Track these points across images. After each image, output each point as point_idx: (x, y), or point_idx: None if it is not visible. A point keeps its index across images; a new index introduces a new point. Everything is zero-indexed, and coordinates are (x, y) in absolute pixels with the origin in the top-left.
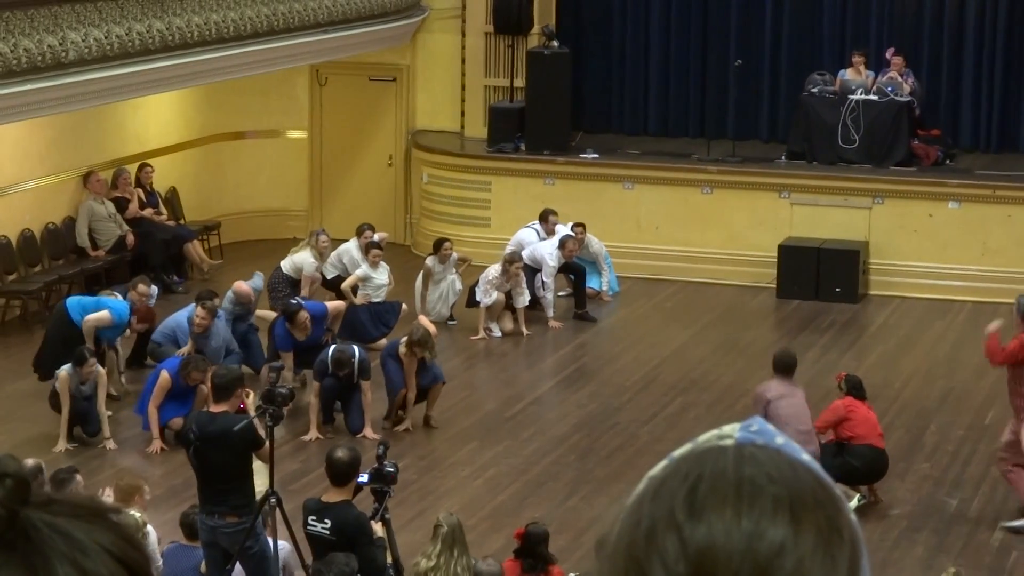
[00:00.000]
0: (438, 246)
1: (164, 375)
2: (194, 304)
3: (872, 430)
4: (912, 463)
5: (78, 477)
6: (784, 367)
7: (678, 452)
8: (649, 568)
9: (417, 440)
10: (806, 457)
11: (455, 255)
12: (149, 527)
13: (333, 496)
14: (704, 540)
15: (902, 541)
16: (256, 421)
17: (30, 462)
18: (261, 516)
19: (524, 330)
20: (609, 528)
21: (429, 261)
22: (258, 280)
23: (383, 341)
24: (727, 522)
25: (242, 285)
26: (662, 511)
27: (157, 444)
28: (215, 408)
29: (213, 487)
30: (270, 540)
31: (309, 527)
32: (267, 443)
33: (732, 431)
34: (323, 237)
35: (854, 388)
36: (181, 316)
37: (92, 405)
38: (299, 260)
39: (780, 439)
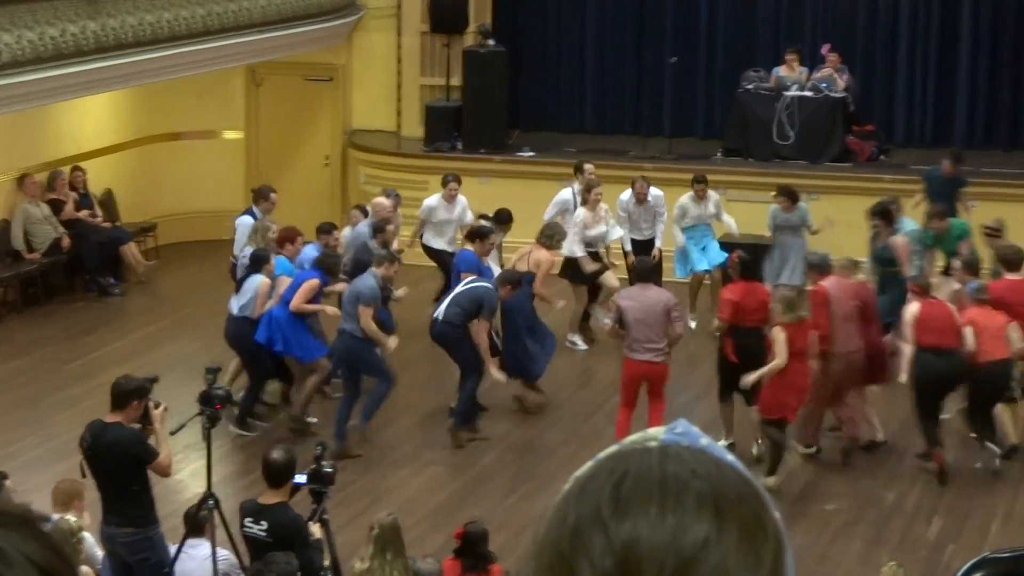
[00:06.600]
0: (446, 183)
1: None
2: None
3: (756, 311)
4: (849, 457)
5: (7, 483)
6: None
7: (604, 452)
8: (575, 564)
9: (355, 440)
10: (730, 457)
11: (463, 200)
12: (85, 532)
13: (270, 498)
14: (629, 536)
15: (839, 535)
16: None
17: None
18: (201, 520)
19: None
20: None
21: (432, 200)
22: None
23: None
24: (652, 518)
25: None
26: (588, 508)
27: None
28: (110, 417)
29: (109, 497)
30: (171, 549)
31: (246, 529)
32: (161, 457)
33: (657, 434)
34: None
35: (746, 268)
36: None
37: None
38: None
39: (704, 440)
